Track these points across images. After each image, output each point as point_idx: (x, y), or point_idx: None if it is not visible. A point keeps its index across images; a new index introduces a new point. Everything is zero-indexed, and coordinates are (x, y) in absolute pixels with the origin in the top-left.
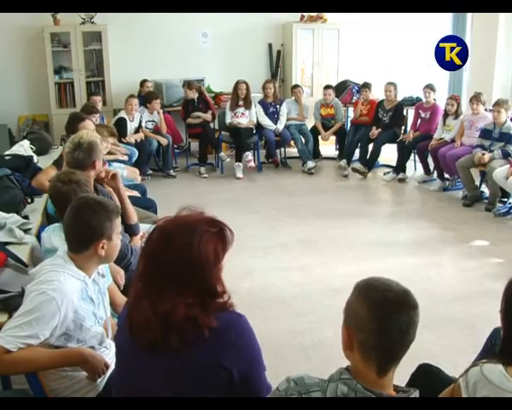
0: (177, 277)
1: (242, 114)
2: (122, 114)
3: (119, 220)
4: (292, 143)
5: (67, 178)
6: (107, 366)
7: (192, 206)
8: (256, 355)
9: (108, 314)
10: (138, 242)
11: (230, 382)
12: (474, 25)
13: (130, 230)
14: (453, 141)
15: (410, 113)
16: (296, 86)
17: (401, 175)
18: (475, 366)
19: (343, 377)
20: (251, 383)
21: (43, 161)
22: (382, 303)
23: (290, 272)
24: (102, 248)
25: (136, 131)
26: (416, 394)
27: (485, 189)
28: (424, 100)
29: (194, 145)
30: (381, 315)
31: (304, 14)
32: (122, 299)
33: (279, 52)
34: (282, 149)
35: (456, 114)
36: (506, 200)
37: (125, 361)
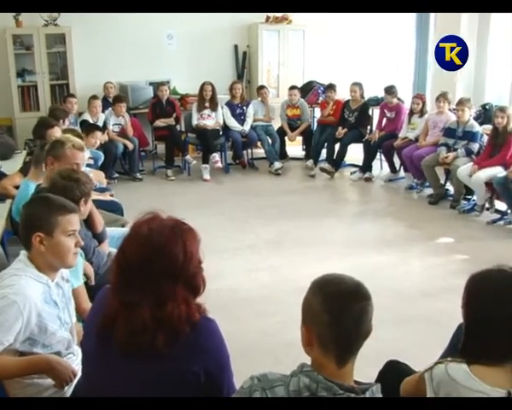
0: (172, 278)
1: (209, 115)
2: (85, 116)
3: (67, 219)
4: (259, 143)
5: (67, 175)
6: (74, 374)
7: (156, 209)
8: (224, 360)
9: (74, 320)
10: (106, 247)
11: (198, 386)
12: (437, 24)
13: (97, 237)
14: (417, 140)
15: (375, 112)
16: (262, 87)
17: (367, 174)
18: (441, 364)
19: (305, 369)
20: (218, 388)
21: (7, 166)
22: (335, 295)
23: (258, 273)
24: (41, 243)
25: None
26: (377, 387)
27: (450, 187)
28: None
29: (161, 148)
30: (334, 307)
31: (269, 15)
32: (88, 304)
33: (245, 53)
34: (249, 150)
35: (422, 113)
36: (470, 197)
37: (94, 367)
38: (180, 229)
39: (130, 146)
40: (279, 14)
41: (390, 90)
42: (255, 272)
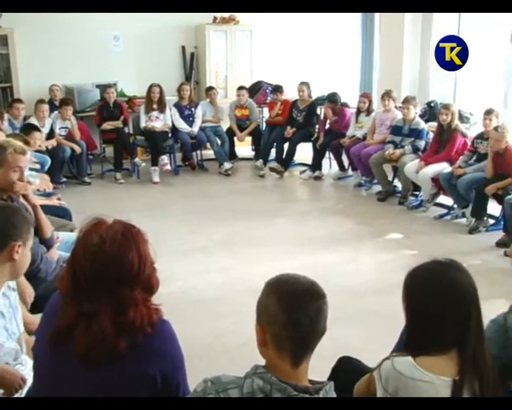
0: (130, 283)
1: (157, 117)
2: (32, 120)
3: (32, 233)
4: (208, 145)
5: None
6: (23, 380)
7: (101, 213)
8: (180, 362)
9: (22, 329)
10: (55, 253)
11: (154, 388)
12: (382, 24)
13: (45, 243)
14: (365, 138)
15: (323, 111)
16: (211, 88)
17: (317, 173)
18: (387, 360)
19: (258, 371)
20: (174, 390)
21: None
22: (291, 295)
23: (210, 274)
24: (17, 252)
25: (48, 137)
26: (330, 385)
27: (397, 183)
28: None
29: (109, 151)
30: (291, 307)
31: (216, 15)
32: (28, 316)
33: (192, 54)
34: (199, 152)
35: (368, 111)
36: (418, 193)
37: (48, 373)
38: (130, 233)
39: (78, 150)
40: (226, 15)
41: (332, 99)
42: (207, 273)
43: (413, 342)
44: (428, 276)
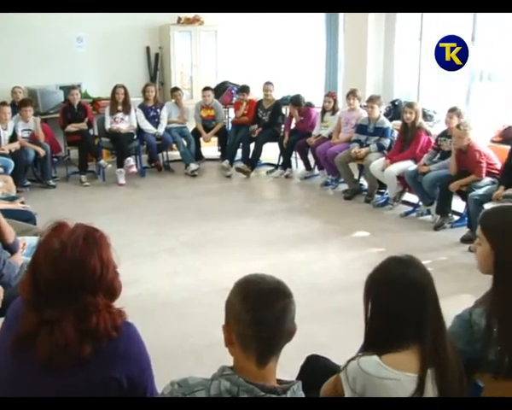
0: (92, 289)
1: (122, 119)
2: None
3: None
4: (174, 146)
5: None
6: None
7: (64, 218)
8: (145, 364)
9: None
10: (19, 258)
11: (121, 392)
12: (346, 24)
13: (8, 248)
14: (330, 137)
15: (288, 111)
16: (176, 89)
17: (288, 171)
18: (353, 360)
19: (225, 373)
20: (141, 393)
21: None
22: (256, 295)
23: (178, 276)
24: None
25: (11, 140)
26: (298, 384)
27: (363, 182)
28: None
29: (74, 153)
30: (256, 306)
31: (181, 16)
32: None
33: (157, 55)
34: (165, 153)
35: (334, 111)
36: (383, 191)
37: (9, 381)
38: (93, 238)
39: (42, 152)
40: (191, 15)
41: (296, 101)
42: (175, 275)
43: (376, 341)
44: (387, 276)
